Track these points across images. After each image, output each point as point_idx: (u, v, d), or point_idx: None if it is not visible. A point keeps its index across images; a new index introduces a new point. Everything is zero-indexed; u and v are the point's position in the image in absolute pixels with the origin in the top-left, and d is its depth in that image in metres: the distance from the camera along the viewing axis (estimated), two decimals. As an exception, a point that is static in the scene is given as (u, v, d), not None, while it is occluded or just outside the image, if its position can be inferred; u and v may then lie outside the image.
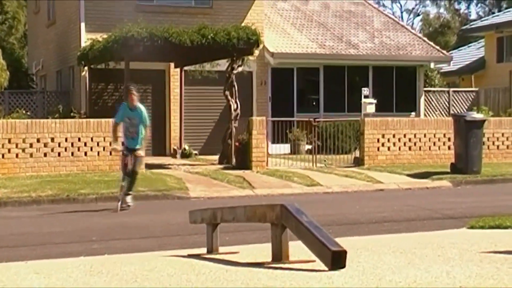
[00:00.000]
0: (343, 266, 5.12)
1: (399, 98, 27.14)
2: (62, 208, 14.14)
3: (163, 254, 7.73)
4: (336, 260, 5.06)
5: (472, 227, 9.20)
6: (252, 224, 7.18)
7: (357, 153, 20.60)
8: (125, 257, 7.70)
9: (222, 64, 21.57)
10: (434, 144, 20.53)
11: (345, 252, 5.12)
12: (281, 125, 21.73)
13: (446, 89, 30.70)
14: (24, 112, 23.29)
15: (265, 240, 7.14)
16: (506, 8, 50.50)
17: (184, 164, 20.53)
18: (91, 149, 17.79)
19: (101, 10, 23.25)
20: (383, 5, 69.79)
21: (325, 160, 19.39)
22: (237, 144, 19.56)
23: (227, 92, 20.62)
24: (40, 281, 5.81)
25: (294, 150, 23.22)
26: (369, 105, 24.37)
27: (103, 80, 23.60)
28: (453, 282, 4.99)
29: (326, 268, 5.20)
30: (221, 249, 7.18)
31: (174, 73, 24.22)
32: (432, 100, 28.97)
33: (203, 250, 7.29)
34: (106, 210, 13.52)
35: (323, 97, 26.23)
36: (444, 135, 20.45)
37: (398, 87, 27.17)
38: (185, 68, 23.66)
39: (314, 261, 5.50)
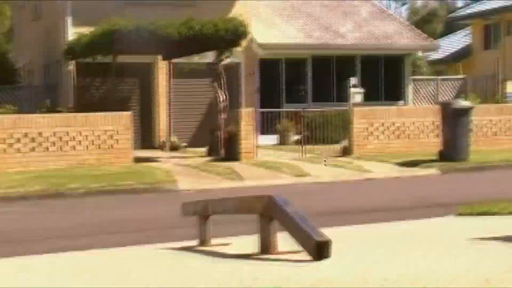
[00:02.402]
0: (328, 256, 5.12)
1: (387, 87, 27.17)
2: (50, 203, 14.10)
3: (155, 247, 7.73)
4: (320, 250, 5.07)
5: (460, 214, 9.23)
6: (244, 215, 7.17)
7: (346, 143, 20.61)
8: (116, 251, 7.70)
9: (210, 56, 21.52)
10: (423, 132, 20.57)
11: (329, 242, 5.13)
12: (269, 116, 21.75)
13: (434, 77, 30.74)
14: (11, 107, 23.19)
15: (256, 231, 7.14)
16: (492, -5, 50.52)
17: (173, 157, 20.50)
18: (79, 143, 17.74)
19: (87, 4, 23.14)
20: (370, -6, 69.76)
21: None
22: (225, 135, 19.54)
23: (215, 84, 20.59)
24: (26, 278, 5.79)
25: (283, 141, 23.22)
26: (357, 94, 24.37)
27: (90, 74, 23.51)
28: (441, 270, 5.01)
29: (312, 259, 5.20)
30: (213, 240, 7.18)
31: (162, 66, 24.15)
32: (420, 89, 29.01)
33: (195, 242, 7.29)
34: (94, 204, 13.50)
35: (311, 88, 26.24)
36: (433, 123, 20.48)
37: (386, 76, 27.20)
38: (173, 60, 23.60)
39: (301, 251, 5.51)
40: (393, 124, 20.31)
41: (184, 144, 23.30)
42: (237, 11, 23.91)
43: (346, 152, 20.04)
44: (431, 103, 28.06)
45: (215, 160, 19.18)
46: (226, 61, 20.76)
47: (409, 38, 27.62)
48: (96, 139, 17.81)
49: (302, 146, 20.25)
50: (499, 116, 21.43)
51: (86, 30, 21.41)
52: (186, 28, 19.43)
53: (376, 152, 19.85)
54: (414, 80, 28.64)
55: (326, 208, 11.89)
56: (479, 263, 5.21)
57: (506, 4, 33.67)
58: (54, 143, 17.52)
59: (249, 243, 6.70)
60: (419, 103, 28.30)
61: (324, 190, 15.17)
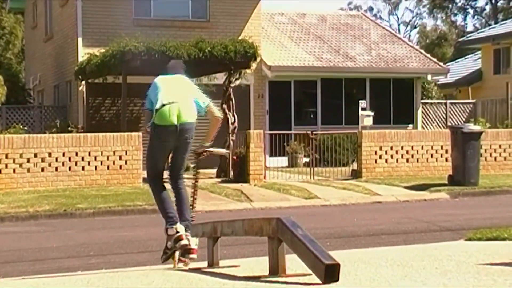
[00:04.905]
0: (337, 279, 5.11)
1: (396, 110, 27.17)
2: (59, 223, 14.12)
3: (163, 267, 7.72)
4: (329, 273, 5.06)
5: (469, 239, 9.18)
6: (252, 237, 7.17)
7: (355, 166, 20.59)
8: (124, 271, 7.69)
9: (220, 78, 21.59)
10: (432, 156, 20.53)
11: (338, 265, 5.12)
12: (278, 138, 21.75)
13: (443, 101, 30.74)
14: (21, 127, 23.30)
15: (264, 253, 7.13)
16: (502, 20, 50.69)
17: (182, 178, 20.47)
18: (89, 164, 17.78)
19: (98, 25, 23.30)
20: (380, 18, 70.08)
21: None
22: (234, 157, 19.56)
23: (225, 106, 20.62)
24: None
25: (292, 163, 23.21)
26: (366, 117, 24.38)
27: (100, 94, 23.61)
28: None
29: (321, 282, 5.19)
30: (222, 262, 7.17)
31: (172, 87, 24.20)
32: (430, 112, 29.01)
33: (204, 264, 7.29)
34: (103, 225, 13.50)
35: (321, 110, 26.26)
36: (442, 147, 20.45)
37: (395, 99, 27.22)
38: (183, 82, 23.66)
39: (310, 274, 5.50)
40: (402, 148, 20.28)
41: (193, 165, 23.29)
42: (248, 32, 24.01)
43: (355, 175, 20.02)
44: (440, 127, 28.04)
45: (224, 182, 19.18)
46: (236, 82, 20.82)
47: (419, 62, 27.66)
48: (105, 160, 17.85)
49: (311, 169, 20.24)
50: (509, 141, 21.37)
51: (96, 50, 21.54)
52: (196, 49, 19.52)
53: (385, 175, 19.83)
54: (424, 103, 28.65)
55: (335, 231, 11.87)
56: (490, 287, 5.19)
57: (516, 28, 33.72)
58: (63, 163, 17.56)
59: (258, 265, 6.69)
60: (428, 127, 28.28)
61: (333, 213, 15.14)
